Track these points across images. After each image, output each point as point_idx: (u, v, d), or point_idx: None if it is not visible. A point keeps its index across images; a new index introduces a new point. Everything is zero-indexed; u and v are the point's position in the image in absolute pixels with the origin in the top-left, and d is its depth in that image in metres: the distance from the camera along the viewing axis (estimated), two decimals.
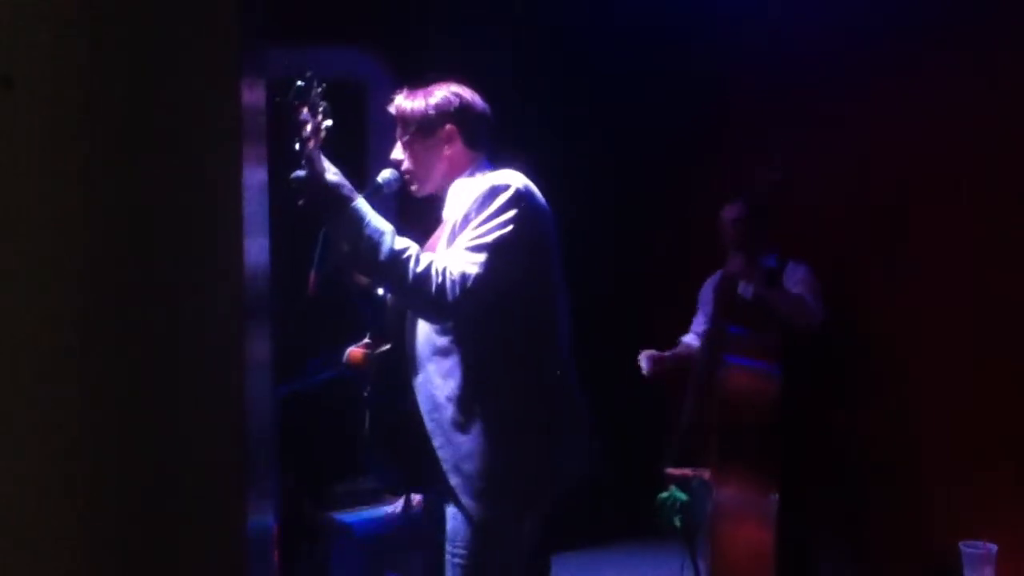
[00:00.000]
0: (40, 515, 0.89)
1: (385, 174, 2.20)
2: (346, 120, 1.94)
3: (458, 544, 2.05)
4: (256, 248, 1.02)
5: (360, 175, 3.67)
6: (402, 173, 2.20)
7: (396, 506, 3.16)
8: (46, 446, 0.89)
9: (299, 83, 1.86)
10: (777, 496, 3.19)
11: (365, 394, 2.17)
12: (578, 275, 2.35)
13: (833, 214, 3.79)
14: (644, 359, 3.60)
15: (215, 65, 0.94)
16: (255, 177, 1.03)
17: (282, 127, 1.80)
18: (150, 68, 0.92)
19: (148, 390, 0.92)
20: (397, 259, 1.92)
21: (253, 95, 1.00)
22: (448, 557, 2.08)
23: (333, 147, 1.93)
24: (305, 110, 1.87)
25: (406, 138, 2.18)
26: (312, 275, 2.02)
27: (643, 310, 4.63)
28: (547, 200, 2.14)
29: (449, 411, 2.04)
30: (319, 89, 1.89)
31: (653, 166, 4.66)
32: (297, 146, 1.88)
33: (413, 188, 2.21)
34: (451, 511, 2.08)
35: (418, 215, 2.30)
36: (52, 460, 0.90)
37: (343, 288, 2.01)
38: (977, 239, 3.30)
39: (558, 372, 2.13)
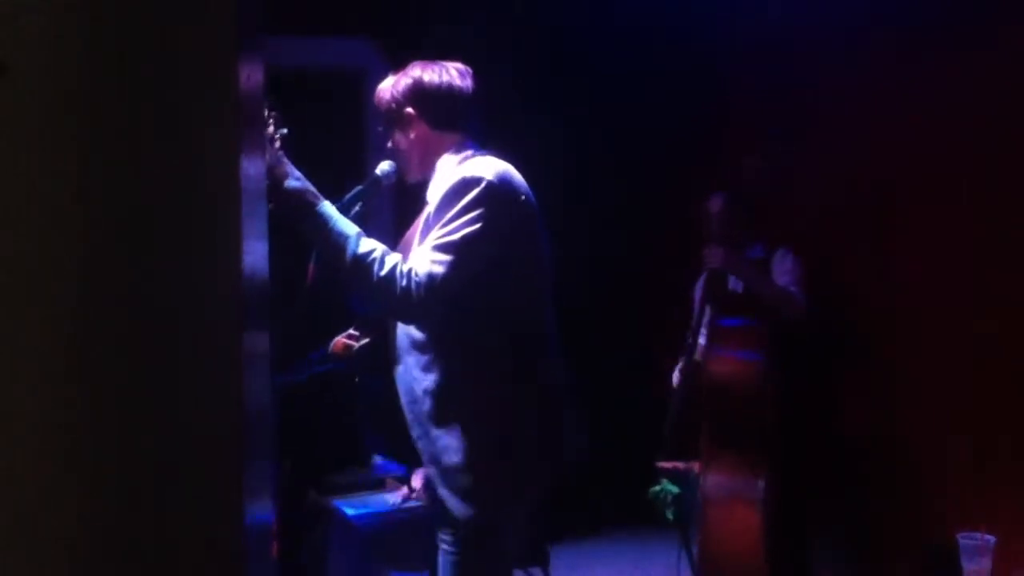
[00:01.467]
0: (40, 515, 0.89)
1: (383, 166, 2.20)
2: (345, 110, 1.94)
3: (445, 531, 2.06)
4: (254, 242, 1.01)
5: (359, 164, 3.68)
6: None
7: (399, 494, 3.16)
8: (46, 446, 0.89)
9: None
10: (763, 482, 3.19)
11: (357, 380, 2.18)
12: (578, 275, 2.35)
13: (833, 213, 3.79)
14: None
15: (213, 55, 0.93)
16: (253, 168, 1.02)
17: None
18: (148, 59, 0.92)
19: (147, 389, 0.92)
20: (361, 263, 1.92)
21: (251, 83, 1.00)
22: (439, 543, 2.08)
23: (332, 137, 1.93)
24: None
25: (380, 128, 2.19)
26: (311, 267, 2.03)
27: (643, 310, 4.62)
28: (546, 200, 2.12)
29: (427, 404, 2.02)
30: (267, 101, 1.89)
31: (653, 166, 4.65)
32: None
33: (405, 176, 2.21)
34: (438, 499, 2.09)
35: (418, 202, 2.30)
36: (52, 460, 0.89)
37: (340, 279, 2.01)
38: (977, 239, 3.30)
39: (545, 360, 2.10)
